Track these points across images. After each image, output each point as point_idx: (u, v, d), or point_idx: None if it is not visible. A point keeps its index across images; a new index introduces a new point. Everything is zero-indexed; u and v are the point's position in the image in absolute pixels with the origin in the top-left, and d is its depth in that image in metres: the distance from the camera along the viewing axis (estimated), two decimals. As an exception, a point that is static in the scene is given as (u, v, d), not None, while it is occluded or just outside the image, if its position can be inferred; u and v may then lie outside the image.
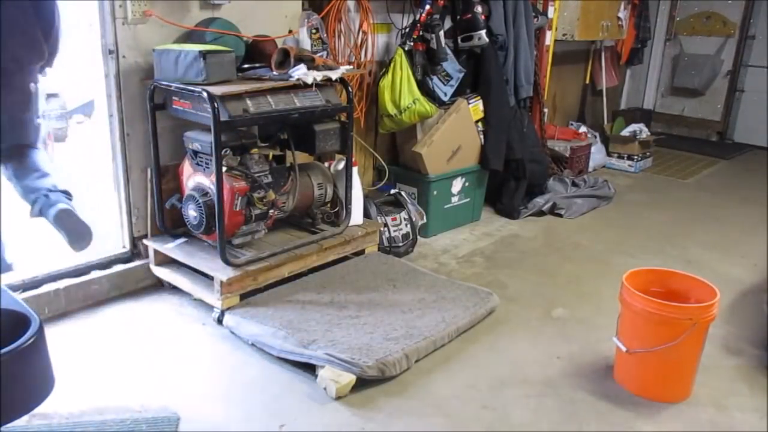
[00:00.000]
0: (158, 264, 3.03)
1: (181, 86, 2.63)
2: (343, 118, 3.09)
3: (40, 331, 1.56)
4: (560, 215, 4.37)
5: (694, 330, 2.21)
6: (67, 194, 2.75)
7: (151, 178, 2.95)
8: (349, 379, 2.30)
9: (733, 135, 7.03)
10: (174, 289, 3.02)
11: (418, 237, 3.71)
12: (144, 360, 2.49)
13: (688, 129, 7.20)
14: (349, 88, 3.04)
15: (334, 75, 2.90)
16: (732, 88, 6.87)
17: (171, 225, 3.03)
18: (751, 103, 6.81)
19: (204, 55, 2.55)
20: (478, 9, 3.90)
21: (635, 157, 5.71)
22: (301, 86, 2.79)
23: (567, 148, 5.14)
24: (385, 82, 3.72)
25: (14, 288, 2.68)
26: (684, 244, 3.97)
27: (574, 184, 4.74)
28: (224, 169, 2.68)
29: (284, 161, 3.14)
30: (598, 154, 5.62)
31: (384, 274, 3.14)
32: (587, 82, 6.16)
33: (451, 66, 3.98)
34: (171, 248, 2.95)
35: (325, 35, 3.30)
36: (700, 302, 2.33)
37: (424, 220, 3.78)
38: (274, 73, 2.80)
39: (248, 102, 2.63)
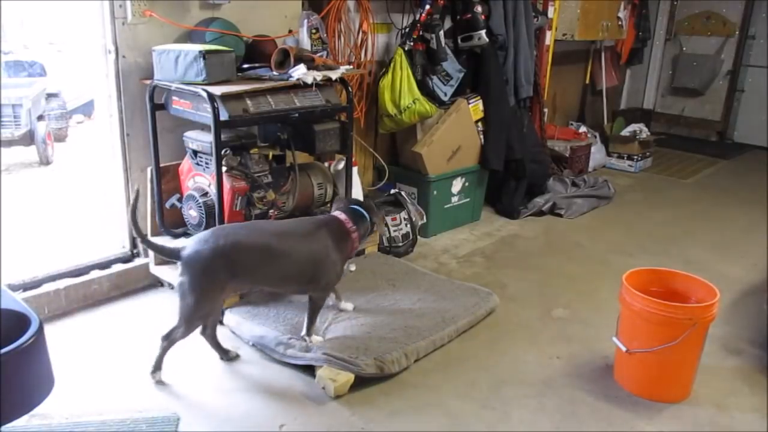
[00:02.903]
0: (158, 264, 3.03)
1: (181, 86, 2.63)
2: (343, 118, 3.08)
3: (40, 331, 1.56)
4: (560, 215, 4.37)
5: (694, 330, 2.21)
6: None
7: (151, 178, 2.95)
8: (347, 377, 2.30)
9: (733, 135, 7.03)
10: (174, 289, 3.02)
11: (418, 237, 3.71)
12: (144, 360, 2.48)
13: (688, 129, 7.20)
14: (349, 88, 3.04)
15: (334, 75, 2.90)
16: (732, 88, 6.87)
17: (171, 225, 3.02)
18: (751, 103, 6.81)
19: (204, 54, 2.55)
20: (478, 9, 3.90)
21: (635, 157, 5.71)
22: (301, 86, 2.79)
23: (567, 148, 5.14)
24: (385, 82, 3.72)
25: (14, 288, 2.69)
26: (684, 244, 3.97)
27: (574, 184, 4.74)
28: (224, 169, 2.68)
29: (284, 161, 3.14)
30: (598, 154, 5.62)
31: (384, 274, 3.13)
32: (587, 82, 6.16)
33: (451, 66, 3.98)
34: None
35: (325, 35, 3.30)
36: (700, 302, 2.33)
37: (424, 220, 3.78)
38: (274, 73, 2.80)
39: (248, 102, 2.63)
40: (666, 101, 7.29)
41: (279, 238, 2.36)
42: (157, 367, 2.33)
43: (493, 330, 2.82)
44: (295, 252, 2.35)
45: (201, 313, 2.28)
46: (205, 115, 2.58)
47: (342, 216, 2.50)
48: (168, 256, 2.31)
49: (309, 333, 2.50)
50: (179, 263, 2.24)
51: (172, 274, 2.98)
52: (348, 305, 2.75)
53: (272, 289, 2.52)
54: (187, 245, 2.25)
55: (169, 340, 2.29)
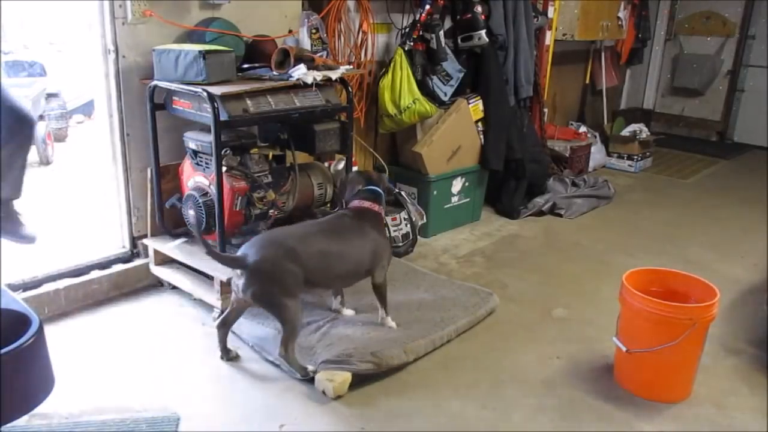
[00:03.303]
0: (158, 264, 3.03)
1: (181, 86, 2.63)
2: (343, 118, 3.09)
3: (40, 331, 1.56)
4: (560, 215, 4.37)
5: (694, 330, 2.21)
6: None
7: (151, 178, 2.95)
8: (344, 376, 2.30)
9: (733, 135, 7.03)
10: (174, 289, 3.02)
11: (418, 237, 3.71)
12: (144, 360, 2.49)
13: (688, 129, 7.20)
14: (349, 88, 3.04)
15: (334, 75, 2.90)
16: (732, 88, 6.87)
17: (171, 225, 3.02)
18: (751, 103, 6.81)
19: (204, 55, 2.55)
20: (478, 9, 3.90)
21: (635, 157, 5.71)
22: (301, 86, 2.79)
23: (567, 148, 5.14)
24: (385, 82, 3.72)
25: (14, 288, 2.69)
26: (684, 244, 3.97)
27: (574, 184, 4.73)
28: (224, 169, 2.68)
29: (284, 161, 3.14)
30: (598, 154, 5.62)
31: (384, 274, 3.13)
32: (587, 82, 6.16)
33: (451, 66, 3.98)
34: (171, 248, 2.95)
35: (325, 35, 3.30)
36: (700, 302, 2.33)
37: (424, 220, 3.78)
38: (274, 73, 2.80)
39: (248, 102, 2.63)
40: (666, 101, 7.29)
41: (331, 240, 2.43)
42: (304, 371, 2.34)
43: (493, 330, 2.82)
44: (348, 251, 2.45)
45: (296, 307, 2.29)
46: (205, 115, 2.58)
47: (367, 204, 2.58)
48: (230, 265, 2.34)
49: (387, 313, 2.65)
50: (244, 271, 2.25)
51: (172, 274, 2.99)
52: (349, 311, 2.76)
53: (331, 288, 2.62)
54: (248, 253, 2.26)
55: (288, 347, 2.31)
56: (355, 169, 3.29)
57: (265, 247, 2.28)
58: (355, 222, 2.53)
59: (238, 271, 2.29)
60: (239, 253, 2.31)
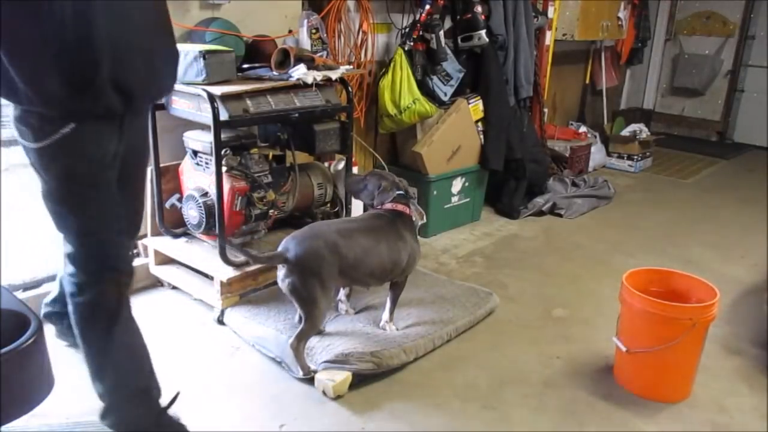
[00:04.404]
0: (158, 264, 3.03)
1: (181, 86, 2.63)
2: (343, 118, 3.08)
3: (40, 331, 1.57)
4: (560, 215, 4.37)
5: (693, 330, 2.21)
6: None
7: (151, 178, 2.95)
8: (344, 376, 2.30)
9: (733, 135, 7.04)
10: (174, 289, 3.02)
11: (418, 237, 3.70)
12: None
13: (688, 129, 7.20)
14: (349, 88, 3.04)
15: (334, 75, 2.90)
16: (732, 88, 6.87)
17: (171, 225, 3.02)
18: (751, 103, 6.82)
19: (204, 55, 2.55)
20: (478, 9, 3.90)
21: (635, 157, 5.71)
22: (301, 86, 2.79)
23: (567, 148, 5.14)
24: (385, 82, 3.72)
25: (14, 288, 2.69)
26: (684, 244, 3.97)
27: (574, 184, 4.74)
28: (224, 169, 2.68)
29: (284, 161, 3.14)
30: (598, 154, 5.62)
31: (384, 274, 3.13)
32: (587, 82, 6.16)
33: (451, 66, 3.98)
34: (171, 248, 2.95)
35: (325, 35, 3.30)
36: (700, 302, 2.33)
37: (424, 220, 3.77)
38: (274, 73, 2.80)
39: (248, 102, 2.63)
40: (666, 101, 7.29)
41: (370, 237, 2.46)
42: (307, 369, 2.36)
43: (493, 330, 2.82)
44: (386, 249, 2.48)
45: (325, 306, 2.35)
46: (206, 115, 2.58)
47: (399, 207, 2.63)
48: (270, 263, 2.39)
49: (391, 319, 2.64)
50: (286, 265, 2.28)
51: (172, 274, 2.99)
52: (350, 310, 2.76)
53: (366, 286, 2.64)
54: (289, 246, 2.30)
55: (301, 342, 2.33)
56: (355, 169, 3.28)
57: (307, 240, 2.32)
58: (392, 223, 2.57)
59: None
60: (280, 247, 2.34)
